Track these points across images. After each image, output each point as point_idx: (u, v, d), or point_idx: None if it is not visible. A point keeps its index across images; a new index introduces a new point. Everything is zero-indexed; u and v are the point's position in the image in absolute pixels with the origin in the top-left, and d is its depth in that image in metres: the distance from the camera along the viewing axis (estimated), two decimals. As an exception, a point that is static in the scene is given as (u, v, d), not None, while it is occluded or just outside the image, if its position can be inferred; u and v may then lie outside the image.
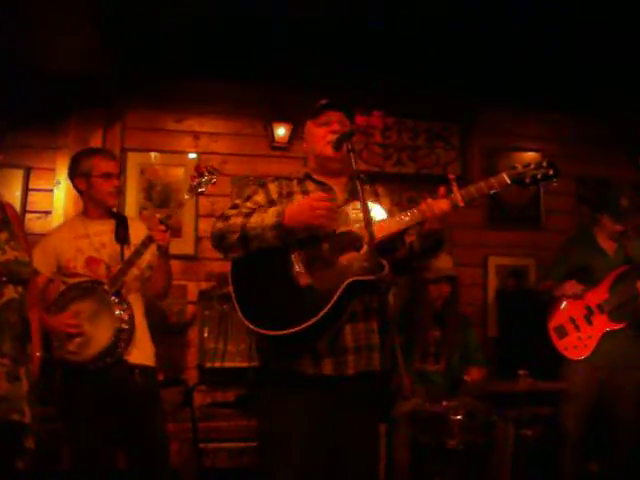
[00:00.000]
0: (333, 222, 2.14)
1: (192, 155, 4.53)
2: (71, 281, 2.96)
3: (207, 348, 4.16)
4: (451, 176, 2.14)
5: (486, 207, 4.87)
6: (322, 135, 2.34)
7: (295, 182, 2.38)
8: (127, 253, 2.96)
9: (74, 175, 3.06)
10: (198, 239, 4.40)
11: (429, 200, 2.10)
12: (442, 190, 2.12)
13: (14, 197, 4.20)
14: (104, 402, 2.82)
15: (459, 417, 3.20)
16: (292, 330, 2.04)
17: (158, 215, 2.97)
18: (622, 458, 3.61)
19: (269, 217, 2.14)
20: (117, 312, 2.86)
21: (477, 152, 4.97)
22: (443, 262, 3.66)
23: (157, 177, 4.45)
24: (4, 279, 2.36)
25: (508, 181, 2.10)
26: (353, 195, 2.26)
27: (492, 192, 2.12)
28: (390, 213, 2.28)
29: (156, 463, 2.95)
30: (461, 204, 2.08)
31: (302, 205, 2.13)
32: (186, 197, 2.94)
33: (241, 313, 2.14)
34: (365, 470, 2.22)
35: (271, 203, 2.30)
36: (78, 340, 2.84)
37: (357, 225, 2.15)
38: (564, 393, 3.60)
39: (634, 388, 3.60)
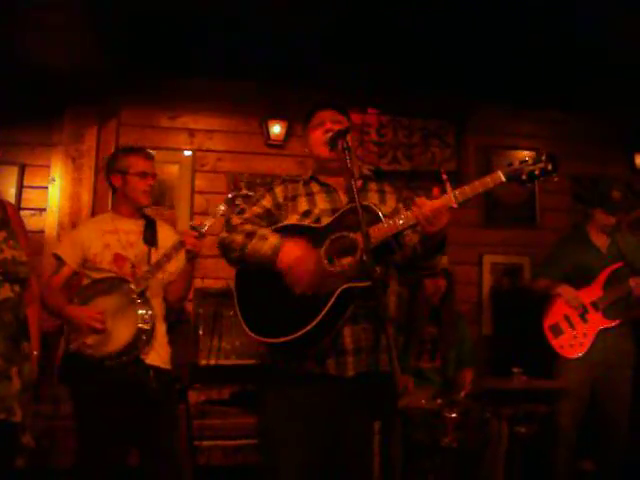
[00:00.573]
0: (316, 287, 2.13)
1: (187, 152, 4.53)
2: (95, 275, 2.96)
3: (202, 345, 4.15)
4: (444, 176, 2.12)
5: (481, 205, 4.87)
6: (318, 137, 2.36)
7: (301, 184, 2.41)
8: (153, 255, 2.98)
9: (111, 171, 3.07)
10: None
11: (419, 201, 2.08)
12: (436, 191, 2.09)
13: (9, 194, 4.20)
14: (116, 399, 2.81)
15: (453, 415, 3.20)
16: (288, 338, 2.08)
17: (190, 222, 3.00)
18: (615, 456, 3.62)
19: (266, 248, 2.18)
20: (140, 311, 2.87)
21: (472, 150, 4.98)
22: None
23: (152, 174, 4.44)
24: (0, 278, 2.37)
25: (503, 179, 2.04)
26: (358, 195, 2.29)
27: (487, 190, 2.06)
28: (394, 211, 2.29)
29: (166, 462, 2.94)
30: (454, 205, 2.05)
31: (297, 259, 2.14)
32: (222, 208, 2.90)
33: (242, 320, 2.21)
34: (360, 468, 2.22)
35: (277, 207, 2.36)
36: (98, 335, 2.84)
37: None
38: (559, 391, 3.61)
39: (627, 386, 3.62)
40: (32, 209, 4.30)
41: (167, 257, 2.89)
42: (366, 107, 4.73)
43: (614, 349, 3.60)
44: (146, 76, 4.41)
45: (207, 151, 4.60)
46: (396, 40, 3.98)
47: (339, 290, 2.08)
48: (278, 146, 4.61)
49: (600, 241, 3.75)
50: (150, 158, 3.11)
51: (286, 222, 2.31)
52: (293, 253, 2.12)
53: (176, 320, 4.18)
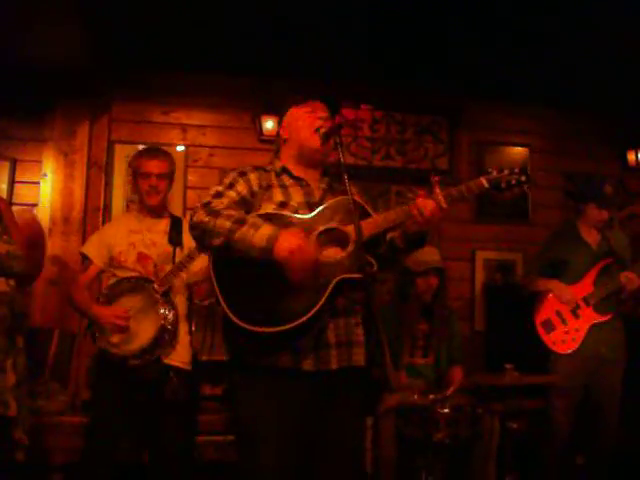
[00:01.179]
0: (312, 279, 2.07)
1: (180, 147, 4.51)
2: (120, 273, 3.01)
3: (195, 342, 4.13)
4: (435, 178, 2.17)
5: (474, 201, 4.88)
6: (309, 122, 2.30)
7: (273, 174, 2.33)
8: (178, 255, 3.01)
9: (132, 173, 3.24)
10: (185, 232, 4.38)
11: (419, 201, 2.11)
12: (423, 191, 2.15)
13: (0, 189, 4.18)
14: (134, 397, 2.87)
15: (446, 410, 3.20)
16: (282, 328, 2.03)
17: None
18: (604, 449, 3.63)
19: (259, 238, 2.03)
20: (163, 311, 2.91)
21: (465, 146, 4.98)
22: (429, 254, 3.62)
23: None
24: None
25: (486, 185, 2.18)
26: (329, 191, 2.29)
27: (472, 195, 2.21)
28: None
29: (175, 464, 2.98)
30: (444, 206, 2.11)
31: (297, 249, 2.02)
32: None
33: (226, 307, 2.10)
34: (349, 464, 2.21)
35: (253, 195, 2.25)
36: (123, 334, 2.88)
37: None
38: (552, 387, 3.62)
39: (619, 382, 3.63)
40: (24, 204, 4.28)
41: (190, 257, 2.92)
42: (359, 102, 4.72)
43: (606, 344, 3.61)
44: (138, 71, 4.40)
45: (200, 146, 4.59)
46: (390, 36, 3.98)
47: (335, 281, 2.06)
48: (271, 141, 4.59)
49: (591, 237, 3.76)
50: (154, 158, 3.12)
51: (264, 211, 2.20)
52: (293, 242, 2.03)
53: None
